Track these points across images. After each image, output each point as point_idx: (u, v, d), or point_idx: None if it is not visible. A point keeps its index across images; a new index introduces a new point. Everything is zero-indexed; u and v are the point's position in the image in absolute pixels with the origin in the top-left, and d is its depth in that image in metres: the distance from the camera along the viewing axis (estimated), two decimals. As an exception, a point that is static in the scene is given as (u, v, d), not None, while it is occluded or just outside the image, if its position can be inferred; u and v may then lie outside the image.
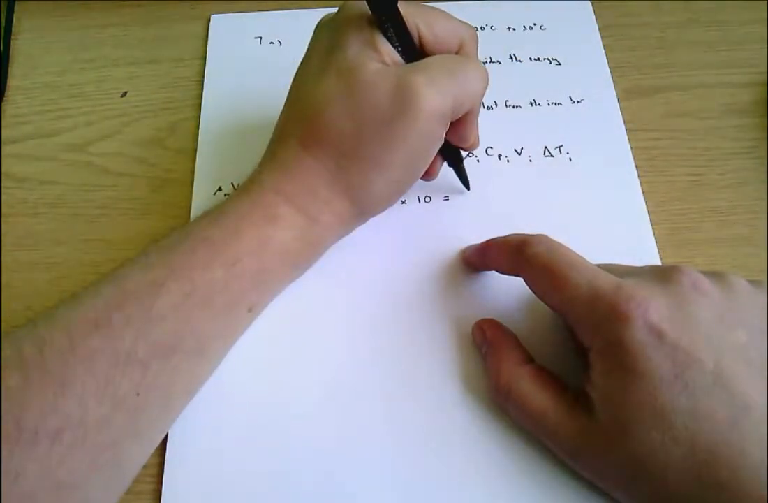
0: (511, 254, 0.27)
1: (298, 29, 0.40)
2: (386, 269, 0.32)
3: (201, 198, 0.34)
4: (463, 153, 0.33)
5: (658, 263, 0.32)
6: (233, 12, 0.41)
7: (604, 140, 0.35)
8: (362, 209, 0.28)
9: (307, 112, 0.27)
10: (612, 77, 0.38)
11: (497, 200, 0.34)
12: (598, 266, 0.25)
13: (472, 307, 0.30)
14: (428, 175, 0.31)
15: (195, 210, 0.34)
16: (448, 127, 0.27)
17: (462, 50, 0.28)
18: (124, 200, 0.35)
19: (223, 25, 0.41)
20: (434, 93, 0.25)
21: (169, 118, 0.38)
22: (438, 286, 0.31)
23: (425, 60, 0.26)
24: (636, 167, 0.35)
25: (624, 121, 0.36)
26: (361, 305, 0.31)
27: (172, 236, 0.26)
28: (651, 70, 0.38)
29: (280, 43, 0.40)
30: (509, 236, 0.28)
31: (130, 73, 0.39)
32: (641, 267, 0.26)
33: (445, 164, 0.32)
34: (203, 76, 0.38)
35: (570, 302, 0.24)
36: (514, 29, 0.40)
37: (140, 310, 0.23)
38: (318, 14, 0.41)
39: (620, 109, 0.36)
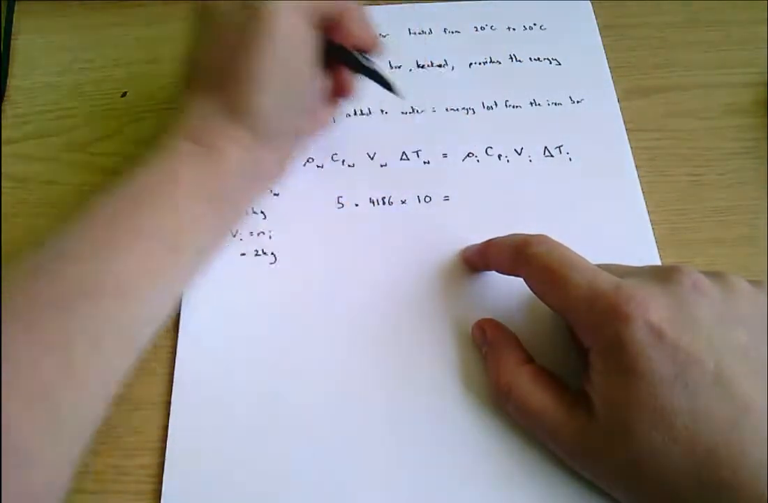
0: (511, 254, 0.27)
1: (298, 29, 0.40)
2: (386, 269, 0.32)
3: (201, 198, 0.34)
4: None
5: (658, 263, 0.32)
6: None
7: (604, 140, 0.35)
8: (256, 130, 0.28)
9: (190, 58, 0.29)
10: (612, 77, 0.38)
11: (497, 200, 0.34)
12: (598, 266, 0.25)
13: (472, 307, 0.30)
14: (343, 91, 0.32)
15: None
16: (312, 29, 0.27)
17: None
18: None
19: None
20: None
21: (169, 118, 0.37)
22: (438, 286, 0.31)
23: None
24: (636, 167, 0.35)
25: (624, 121, 0.36)
26: (361, 305, 0.31)
27: (103, 188, 0.26)
28: (651, 70, 0.38)
29: (280, 43, 0.40)
30: (509, 236, 0.28)
31: (130, 73, 0.39)
32: (641, 267, 0.26)
33: None
34: (203, 76, 0.38)
35: (570, 302, 0.24)
36: (514, 29, 0.40)
37: (61, 257, 0.24)
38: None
39: (620, 109, 0.36)
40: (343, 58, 0.30)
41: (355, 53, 0.29)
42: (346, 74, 0.31)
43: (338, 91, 0.32)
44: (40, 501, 0.21)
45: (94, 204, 0.26)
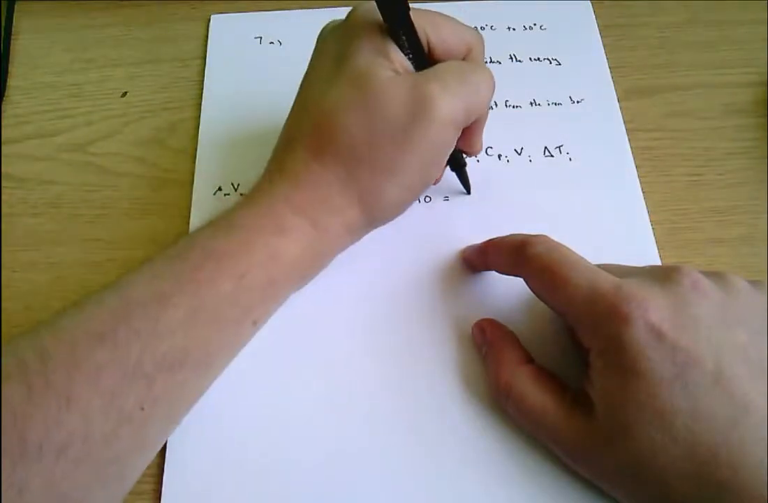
0: (511, 254, 0.27)
1: (298, 29, 0.40)
2: (386, 269, 0.32)
3: (201, 198, 0.34)
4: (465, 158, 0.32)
5: (658, 263, 0.32)
6: (233, 12, 0.41)
7: (604, 140, 0.35)
8: (373, 218, 0.28)
9: (316, 120, 0.26)
10: (612, 77, 0.38)
11: (497, 200, 0.34)
12: (598, 266, 0.25)
13: (472, 307, 0.30)
14: (434, 182, 0.31)
15: (195, 210, 0.34)
16: (460, 134, 0.27)
17: (470, 56, 0.28)
18: (124, 200, 0.35)
19: (223, 25, 0.41)
20: (449, 101, 0.25)
21: (169, 118, 0.38)
22: (438, 286, 0.31)
23: (436, 67, 0.26)
24: (636, 167, 0.35)
25: (624, 121, 0.36)
26: (361, 305, 0.31)
27: (179, 246, 0.25)
28: (651, 70, 0.38)
29: (280, 43, 0.40)
30: (509, 236, 0.28)
31: (130, 73, 0.39)
32: (641, 267, 0.26)
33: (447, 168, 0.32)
34: (203, 76, 0.38)
35: (570, 302, 0.24)
36: (514, 29, 0.40)
37: (147, 323, 0.22)
38: (318, 14, 0.41)
39: (620, 109, 0.36)
40: (449, 156, 0.29)
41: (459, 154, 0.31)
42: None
43: None
44: None
45: (190, 262, 0.24)
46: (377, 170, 0.26)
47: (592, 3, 0.40)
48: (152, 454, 0.25)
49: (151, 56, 0.40)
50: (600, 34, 0.39)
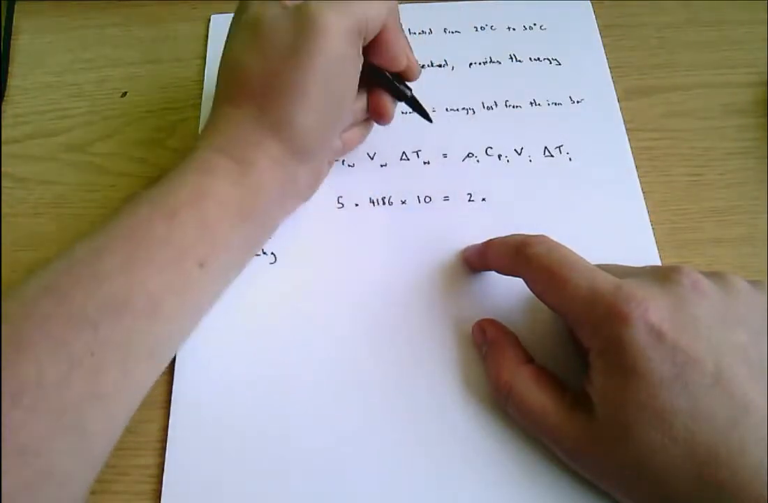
0: (511, 254, 0.27)
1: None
2: (386, 269, 0.32)
3: (201, 198, 0.34)
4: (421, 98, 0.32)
5: (658, 263, 0.32)
6: (233, 12, 0.41)
7: (604, 140, 0.36)
8: (294, 147, 0.28)
9: (224, 70, 0.28)
10: (612, 77, 0.38)
11: (497, 200, 0.34)
12: (598, 266, 0.25)
13: (472, 307, 0.30)
14: (379, 115, 0.31)
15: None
16: (358, 47, 0.27)
17: None
18: (124, 200, 0.35)
19: (223, 25, 0.40)
20: (330, 13, 0.26)
21: (169, 118, 0.38)
22: (438, 286, 0.31)
23: None
24: (636, 167, 0.35)
25: (624, 121, 0.36)
26: (361, 305, 0.31)
27: (121, 207, 0.26)
28: (651, 70, 0.38)
29: (280, 43, 0.40)
30: (509, 236, 0.28)
31: (130, 73, 0.39)
32: (641, 267, 0.26)
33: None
34: (203, 76, 0.39)
35: (570, 302, 0.24)
36: (514, 29, 0.40)
37: (87, 271, 0.23)
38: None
39: (620, 109, 0.36)
40: (386, 84, 0.30)
41: (393, 78, 0.30)
42: (384, 97, 0.31)
43: (375, 115, 0.31)
44: None
45: (124, 214, 0.25)
46: (282, 97, 0.26)
47: (592, 3, 0.40)
48: (113, 409, 0.24)
49: (151, 56, 0.40)
50: (600, 34, 0.39)
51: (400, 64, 0.29)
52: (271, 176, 0.28)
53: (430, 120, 0.32)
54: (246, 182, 0.27)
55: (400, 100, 0.31)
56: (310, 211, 0.33)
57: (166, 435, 0.28)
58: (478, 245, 0.30)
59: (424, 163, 0.35)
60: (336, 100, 0.28)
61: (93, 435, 0.23)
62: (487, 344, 0.28)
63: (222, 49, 0.29)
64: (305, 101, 0.26)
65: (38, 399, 0.21)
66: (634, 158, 0.35)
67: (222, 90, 0.28)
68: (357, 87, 0.28)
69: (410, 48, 0.30)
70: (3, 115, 0.38)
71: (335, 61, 0.26)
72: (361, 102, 0.31)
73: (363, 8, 0.26)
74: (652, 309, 0.22)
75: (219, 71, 0.29)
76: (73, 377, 0.22)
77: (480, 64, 0.38)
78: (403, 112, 0.36)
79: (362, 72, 0.28)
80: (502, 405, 0.27)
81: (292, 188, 0.29)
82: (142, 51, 0.40)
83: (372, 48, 0.28)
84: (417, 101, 0.32)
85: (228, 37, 0.29)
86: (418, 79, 0.31)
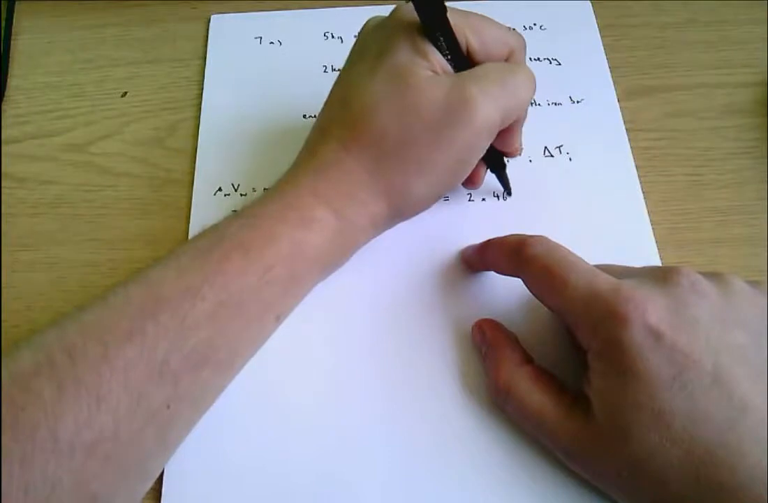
0: (510, 254, 0.27)
1: (298, 29, 0.40)
2: (386, 269, 0.32)
3: (201, 198, 0.34)
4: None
5: (658, 263, 0.32)
6: (233, 12, 0.41)
7: (604, 140, 0.35)
8: (397, 212, 0.28)
9: (352, 114, 0.26)
10: (612, 77, 0.38)
11: (497, 200, 0.34)
12: (597, 266, 0.25)
13: (472, 307, 0.30)
14: (472, 183, 0.31)
15: (195, 210, 0.34)
16: (495, 137, 0.27)
17: (511, 58, 0.28)
18: (124, 200, 0.35)
19: (223, 25, 0.41)
20: (487, 105, 0.25)
21: (169, 118, 0.38)
22: (438, 286, 0.31)
23: (476, 69, 0.26)
24: (636, 167, 0.35)
25: (624, 121, 0.36)
26: (361, 305, 0.31)
27: (205, 238, 0.25)
28: (651, 70, 0.38)
29: (280, 43, 0.40)
30: (508, 236, 0.28)
31: (130, 73, 0.39)
32: (640, 268, 0.26)
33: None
34: (203, 76, 0.38)
35: (568, 303, 0.24)
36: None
37: (175, 319, 0.22)
38: (318, 14, 0.41)
39: (620, 109, 0.36)
40: (488, 158, 0.29)
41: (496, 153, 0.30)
42: (481, 167, 0.31)
43: (468, 181, 0.31)
44: None
45: (216, 253, 0.24)
46: (407, 166, 0.26)
47: (592, 3, 0.40)
48: (170, 455, 0.25)
49: (151, 56, 0.40)
50: (600, 34, 0.39)
51: (512, 148, 0.30)
52: (365, 235, 0.28)
53: (510, 194, 0.33)
54: (341, 240, 0.27)
55: (494, 172, 0.32)
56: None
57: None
58: (477, 245, 0.30)
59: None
60: (456, 179, 0.28)
61: (149, 481, 0.24)
62: (486, 344, 0.28)
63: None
64: (430, 178, 0.26)
65: (113, 451, 0.21)
66: (634, 158, 0.35)
67: (338, 130, 0.27)
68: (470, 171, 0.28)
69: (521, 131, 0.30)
70: (3, 115, 0.38)
71: (472, 150, 0.26)
72: None
73: (515, 100, 0.26)
74: (650, 310, 0.22)
75: (338, 104, 0.28)
76: (147, 431, 0.21)
77: (480, 64, 0.38)
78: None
79: None
80: (501, 405, 0.27)
81: (366, 241, 0.29)
82: (142, 51, 0.40)
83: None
84: (507, 177, 0.33)
85: (355, 69, 0.27)
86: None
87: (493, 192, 0.34)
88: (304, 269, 0.26)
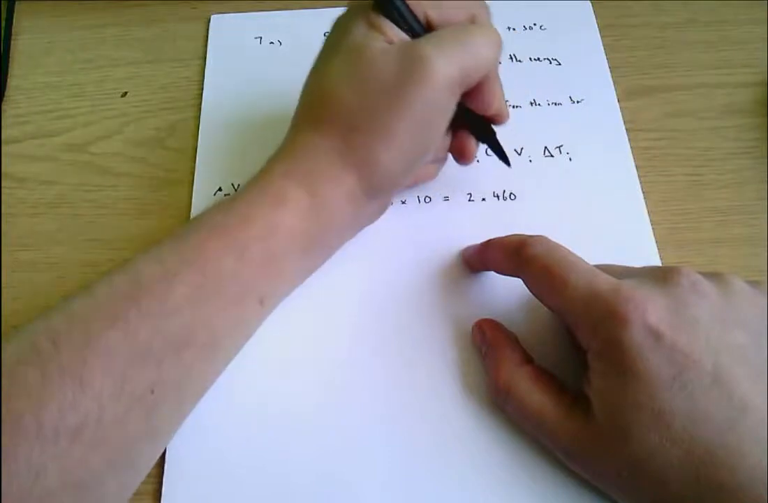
0: (510, 255, 0.27)
1: (298, 29, 0.40)
2: (386, 269, 0.32)
3: (201, 198, 0.34)
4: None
5: (658, 263, 0.32)
6: (233, 12, 0.41)
7: (604, 140, 0.35)
8: (371, 186, 0.27)
9: (315, 94, 0.27)
10: (612, 77, 0.38)
11: (497, 200, 0.34)
12: (597, 266, 0.25)
13: (472, 307, 0.30)
14: (463, 156, 0.31)
15: (195, 210, 0.34)
16: (458, 96, 0.27)
17: (473, 22, 0.27)
18: (124, 200, 0.35)
19: (223, 25, 0.41)
20: (441, 61, 0.25)
21: (169, 118, 0.38)
22: (438, 286, 0.31)
23: (432, 33, 0.26)
24: (636, 167, 0.35)
25: (624, 121, 0.36)
26: (361, 306, 0.31)
27: (186, 226, 0.26)
28: (651, 70, 0.38)
29: (280, 43, 0.40)
30: (508, 236, 0.28)
31: (130, 73, 0.39)
32: (640, 268, 0.26)
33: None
34: (203, 76, 0.39)
35: (568, 303, 0.24)
36: (514, 29, 0.40)
37: (155, 304, 0.23)
38: (318, 14, 0.41)
39: (620, 109, 0.36)
40: (472, 125, 0.29)
41: (481, 120, 0.30)
42: (469, 139, 0.30)
43: (459, 155, 0.31)
44: None
45: (193, 239, 0.25)
46: (372, 135, 0.26)
47: (592, 3, 0.40)
48: (161, 445, 0.25)
49: (151, 56, 0.40)
50: (600, 34, 0.39)
51: (492, 110, 0.29)
52: (341, 212, 0.27)
53: (508, 164, 0.32)
54: (316, 218, 0.26)
55: (484, 142, 0.31)
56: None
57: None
58: (478, 245, 0.30)
59: (424, 163, 0.35)
60: (424, 145, 0.27)
61: (141, 468, 0.24)
62: (486, 344, 0.28)
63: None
64: (395, 143, 0.26)
65: (98, 436, 0.21)
66: (634, 158, 0.35)
67: (305, 114, 0.28)
68: (445, 131, 0.28)
69: (503, 93, 0.29)
70: (3, 115, 0.38)
71: (433, 110, 0.26)
72: (445, 141, 0.30)
73: (473, 57, 0.26)
74: (650, 310, 0.22)
75: (305, 93, 0.28)
76: (132, 415, 0.22)
77: (480, 64, 0.38)
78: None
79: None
80: (501, 405, 0.27)
81: (357, 220, 0.29)
82: (142, 51, 0.40)
83: (468, 92, 0.27)
84: (500, 145, 0.31)
85: (320, 58, 0.28)
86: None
87: (493, 192, 0.34)
88: (281, 248, 0.26)
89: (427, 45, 0.25)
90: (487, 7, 0.28)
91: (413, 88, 0.25)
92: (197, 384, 0.25)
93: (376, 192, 0.28)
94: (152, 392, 0.22)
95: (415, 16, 0.26)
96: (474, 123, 0.29)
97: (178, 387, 0.23)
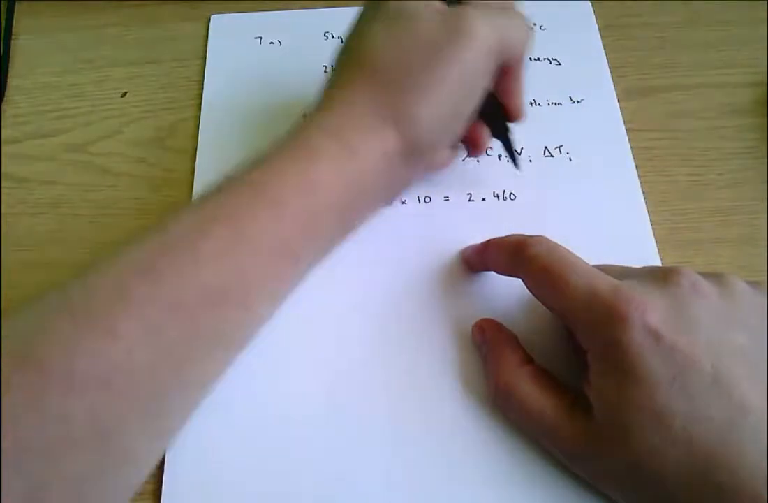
0: (510, 255, 0.27)
1: (298, 29, 0.40)
2: (386, 269, 0.32)
3: (201, 198, 0.34)
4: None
5: (658, 263, 0.32)
6: (233, 12, 0.41)
7: (604, 140, 0.35)
8: (407, 144, 0.26)
9: (355, 54, 0.27)
10: (612, 77, 0.38)
11: (497, 200, 0.34)
12: (597, 267, 0.25)
13: (472, 307, 0.30)
14: (475, 146, 0.31)
15: (195, 210, 0.34)
16: (494, 67, 0.27)
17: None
18: (124, 200, 0.35)
19: (223, 25, 0.41)
20: (485, 25, 0.25)
21: (169, 118, 0.38)
22: (438, 286, 0.31)
23: (473, 2, 0.27)
24: (636, 167, 0.35)
25: (624, 121, 0.36)
26: (361, 306, 0.31)
27: (218, 182, 0.25)
28: (651, 70, 0.38)
29: (280, 43, 0.40)
30: (508, 236, 0.28)
31: (130, 73, 0.39)
32: (640, 268, 0.26)
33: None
34: (203, 76, 0.38)
35: (568, 303, 0.24)
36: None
37: (186, 255, 0.22)
38: (318, 14, 0.41)
39: (620, 109, 0.36)
40: (489, 118, 0.29)
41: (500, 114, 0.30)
42: (484, 130, 0.31)
43: (472, 144, 0.31)
44: (127, 496, 0.22)
45: (225, 194, 0.24)
46: (411, 91, 0.26)
47: (592, 3, 0.40)
48: (193, 398, 0.24)
49: (151, 56, 0.40)
50: (600, 34, 0.39)
51: (515, 99, 0.29)
52: (377, 170, 0.26)
53: (518, 167, 0.32)
54: (353, 175, 0.25)
55: (498, 137, 0.31)
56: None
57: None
58: (477, 245, 0.30)
59: (424, 163, 0.35)
60: (461, 106, 0.27)
61: (170, 420, 0.23)
62: (486, 344, 0.28)
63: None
64: (436, 99, 0.26)
65: (127, 384, 0.20)
66: (634, 158, 0.35)
67: (343, 72, 0.27)
68: (479, 102, 0.28)
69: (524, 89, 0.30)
70: (3, 115, 0.38)
71: (473, 72, 0.26)
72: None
73: (513, 30, 0.27)
74: (650, 311, 0.22)
75: (341, 55, 0.28)
76: (163, 366, 0.21)
77: (480, 64, 0.38)
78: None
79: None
80: (501, 405, 0.27)
81: (391, 184, 0.28)
82: (142, 51, 0.40)
83: (496, 78, 0.28)
84: (512, 144, 0.32)
85: (360, 21, 0.28)
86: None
87: (493, 192, 0.34)
88: (317, 205, 0.25)
89: (472, 10, 0.26)
90: None
91: (455, 47, 0.25)
92: (231, 339, 0.24)
93: (412, 151, 0.27)
94: (184, 343, 0.22)
95: None
96: (492, 116, 0.29)
97: (211, 340, 0.23)
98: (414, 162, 0.27)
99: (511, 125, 0.31)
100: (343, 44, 0.28)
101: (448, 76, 0.25)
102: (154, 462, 0.23)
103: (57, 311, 0.21)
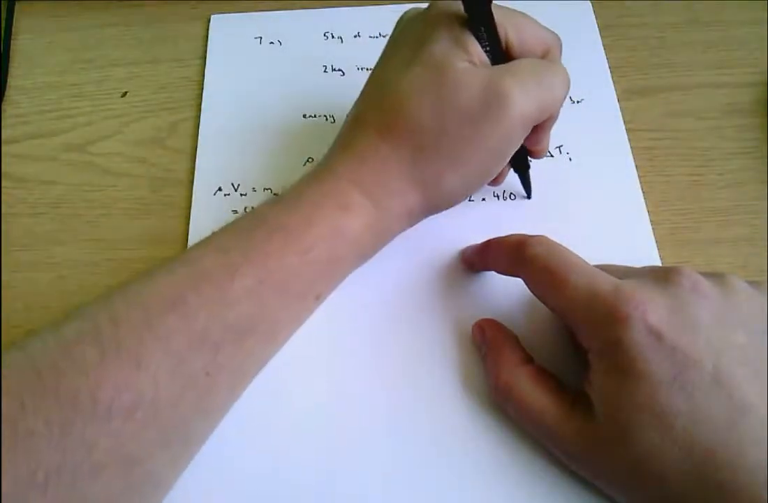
0: (510, 254, 0.27)
1: (298, 29, 0.40)
2: (386, 269, 0.32)
3: (201, 198, 0.34)
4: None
5: (658, 263, 0.32)
6: (233, 12, 0.41)
7: (604, 140, 0.35)
8: (431, 205, 0.28)
9: (388, 102, 0.26)
10: (612, 77, 0.38)
11: (497, 200, 0.34)
12: (597, 266, 0.25)
13: (472, 307, 0.30)
14: (496, 181, 0.32)
15: (195, 210, 0.34)
16: (528, 132, 0.27)
17: (547, 56, 0.28)
18: (124, 200, 0.35)
19: (223, 25, 0.41)
20: (523, 99, 0.25)
21: (169, 118, 0.38)
22: (438, 286, 0.31)
23: (513, 63, 0.26)
24: (636, 167, 0.35)
25: (624, 121, 0.36)
26: (360, 306, 0.31)
27: (246, 220, 0.26)
28: (651, 70, 0.38)
29: (280, 43, 0.40)
30: (508, 236, 0.28)
31: (130, 73, 0.39)
32: (640, 268, 0.26)
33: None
34: (203, 76, 0.39)
35: (569, 303, 0.24)
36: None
37: (216, 292, 0.23)
38: (318, 14, 0.41)
39: (620, 109, 0.36)
40: (515, 158, 0.29)
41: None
42: (505, 168, 0.31)
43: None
44: None
45: (257, 235, 0.25)
46: (443, 159, 0.26)
47: (592, 3, 0.40)
48: (214, 422, 0.25)
49: (151, 56, 0.40)
50: (600, 34, 0.39)
51: (540, 146, 0.30)
52: (399, 226, 0.28)
53: (530, 196, 0.33)
54: (378, 228, 0.27)
55: (517, 172, 0.32)
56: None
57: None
58: (478, 245, 0.30)
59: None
60: (489, 173, 0.28)
61: (192, 446, 0.24)
62: (486, 344, 0.28)
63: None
64: (464, 170, 0.26)
65: (151, 414, 0.21)
66: (634, 158, 0.35)
67: (376, 118, 0.27)
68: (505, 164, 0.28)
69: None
70: (3, 115, 0.38)
71: (506, 144, 0.26)
72: None
73: (551, 97, 0.26)
74: (651, 310, 0.22)
75: (374, 91, 0.28)
76: (187, 396, 0.22)
77: (480, 64, 0.38)
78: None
79: None
80: (501, 405, 0.27)
81: (403, 231, 0.30)
82: (142, 51, 0.40)
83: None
84: (529, 179, 0.33)
85: (395, 57, 0.28)
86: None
87: (493, 192, 0.34)
88: (343, 252, 0.26)
89: (510, 78, 0.25)
90: (560, 42, 0.29)
91: (493, 124, 0.25)
92: (251, 370, 0.25)
93: (432, 210, 0.29)
94: (208, 374, 0.22)
95: (499, 39, 0.26)
96: (517, 154, 0.29)
97: (234, 371, 0.24)
98: (432, 214, 0.29)
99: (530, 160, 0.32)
100: (373, 79, 0.28)
101: (483, 150, 0.26)
102: (174, 481, 0.24)
103: (85, 341, 0.21)
